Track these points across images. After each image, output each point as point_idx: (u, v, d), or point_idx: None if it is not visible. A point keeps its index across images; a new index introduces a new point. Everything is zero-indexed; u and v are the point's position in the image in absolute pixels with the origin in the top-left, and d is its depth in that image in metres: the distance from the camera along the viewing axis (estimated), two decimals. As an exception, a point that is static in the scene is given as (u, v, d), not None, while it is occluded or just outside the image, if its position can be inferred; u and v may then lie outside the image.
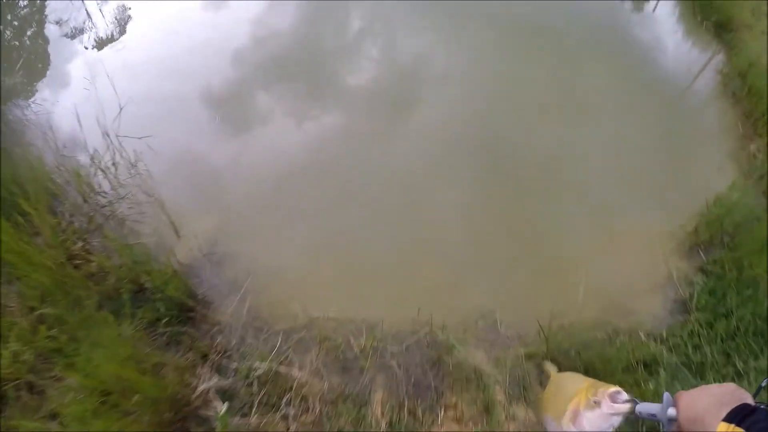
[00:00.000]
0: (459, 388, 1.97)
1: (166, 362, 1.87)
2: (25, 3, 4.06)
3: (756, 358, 2.02)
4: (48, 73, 3.51)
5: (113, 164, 2.64)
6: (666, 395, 0.75)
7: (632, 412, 0.86)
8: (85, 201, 2.46)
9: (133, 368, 1.71)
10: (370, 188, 2.72)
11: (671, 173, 3.14)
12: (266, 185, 2.66)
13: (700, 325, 2.13)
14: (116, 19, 3.85)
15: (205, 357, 1.93)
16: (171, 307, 1.97)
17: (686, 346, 2.05)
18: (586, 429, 0.96)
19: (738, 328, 2.11)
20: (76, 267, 2.08)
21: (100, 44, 3.65)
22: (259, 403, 1.80)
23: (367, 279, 2.33)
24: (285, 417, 1.80)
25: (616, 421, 0.91)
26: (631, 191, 2.97)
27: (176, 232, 2.35)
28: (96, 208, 2.38)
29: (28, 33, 3.87)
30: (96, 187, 2.53)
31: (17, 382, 1.74)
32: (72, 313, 1.86)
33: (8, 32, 3.83)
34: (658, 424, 0.77)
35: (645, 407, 0.82)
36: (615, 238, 2.75)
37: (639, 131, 3.39)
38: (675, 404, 0.72)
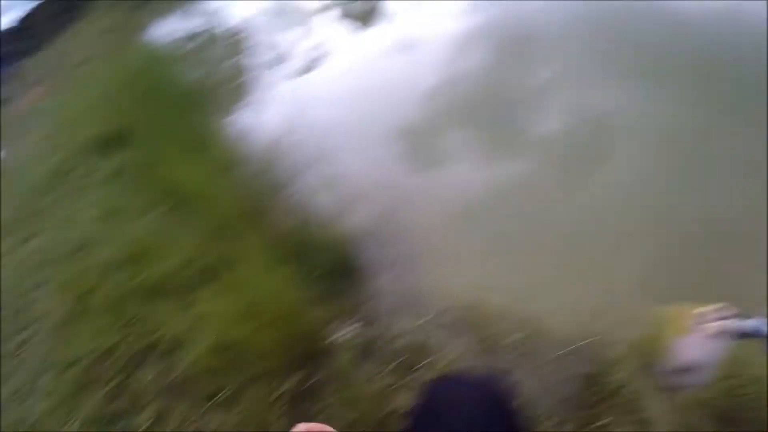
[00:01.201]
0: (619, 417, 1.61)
1: (311, 303, 1.96)
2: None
3: None
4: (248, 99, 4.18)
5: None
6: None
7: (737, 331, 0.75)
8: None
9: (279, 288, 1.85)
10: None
11: None
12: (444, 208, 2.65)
13: None
14: (312, 55, 4.56)
15: (351, 313, 1.99)
16: (335, 262, 2.10)
17: None
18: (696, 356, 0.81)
19: None
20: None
21: (295, 75, 4.31)
22: (398, 364, 1.76)
23: (544, 277, 2.15)
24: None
25: (724, 343, 0.79)
26: None
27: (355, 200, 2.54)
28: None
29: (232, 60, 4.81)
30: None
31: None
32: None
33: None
34: None
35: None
36: None
37: None
38: None
